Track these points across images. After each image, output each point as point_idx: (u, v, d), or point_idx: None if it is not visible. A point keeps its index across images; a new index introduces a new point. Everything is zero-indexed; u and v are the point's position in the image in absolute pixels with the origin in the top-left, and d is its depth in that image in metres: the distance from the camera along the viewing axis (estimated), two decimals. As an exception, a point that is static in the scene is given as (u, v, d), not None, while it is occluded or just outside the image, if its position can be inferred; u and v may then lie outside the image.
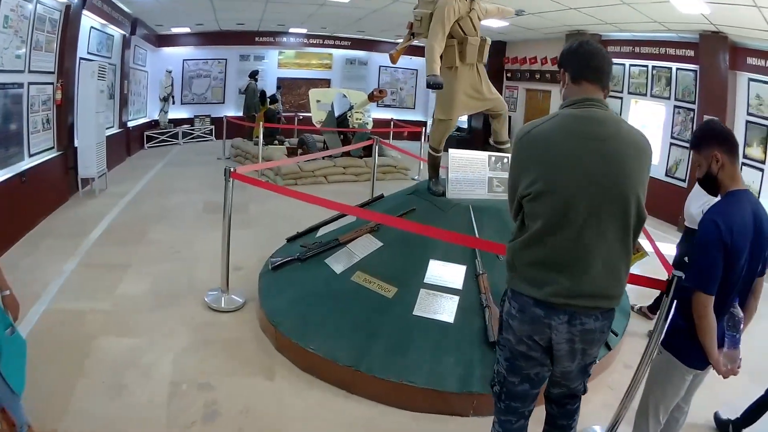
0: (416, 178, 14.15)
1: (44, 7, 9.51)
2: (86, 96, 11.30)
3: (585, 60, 2.93)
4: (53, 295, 6.56)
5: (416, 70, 24.86)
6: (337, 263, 6.07)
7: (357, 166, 13.79)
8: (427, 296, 5.30)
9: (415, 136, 18.34)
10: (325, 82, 23.73)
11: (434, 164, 6.79)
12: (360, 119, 14.85)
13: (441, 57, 5.93)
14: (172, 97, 20.78)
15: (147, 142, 19.41)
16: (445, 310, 5.18)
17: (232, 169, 6.29)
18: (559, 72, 3.16)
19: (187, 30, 20.57)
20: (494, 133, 6.95)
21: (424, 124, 22.66)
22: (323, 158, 13.55)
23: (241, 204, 10.41)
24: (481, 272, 5.38)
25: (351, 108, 14.87)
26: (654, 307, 6.93)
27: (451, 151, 6.40)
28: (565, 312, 2.75)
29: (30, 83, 9.30)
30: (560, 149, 2.73)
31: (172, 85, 20.59)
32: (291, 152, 14.95)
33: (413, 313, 5.18)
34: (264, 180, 12.15)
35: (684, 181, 12.85)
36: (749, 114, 11.30)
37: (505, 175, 5.57)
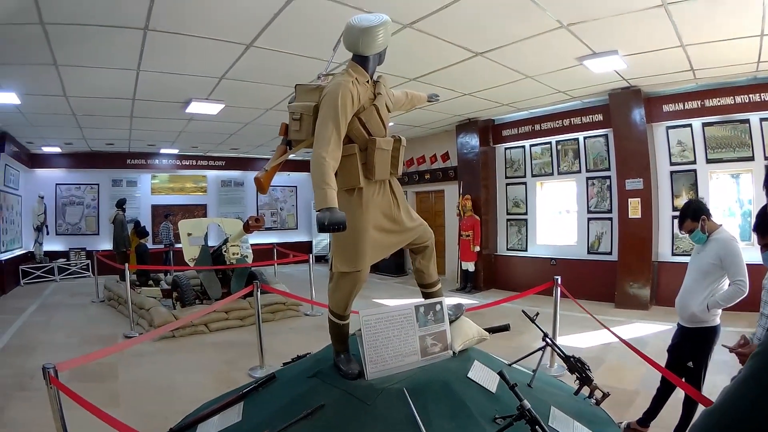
0: (309, 313, 12.57)
1: None
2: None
3: None
4: None
5: (295, 186, 24.06)
6: None
7: (241, 308, 11.71)
8: None
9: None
10: (201, 208, 22.51)
11: (340, 334, 4.65)
12: (237, 253, 12.98)
13: (335, 175, 3.87)
14: (46, 226, 19.04)
15: (23, 278, 17.68)
16: None
17: (50, 370, 4.08)
18: None
19: (58, 149, 19.12)
20: (418, 273, 4.96)
21: (310, 245, 21.78)
22: (202, 301, 12.04)
23: (107, 367, 8.17)
24: None
25: (226, 241, 13.03)
26: (647, 420, 5.62)
27: (362, 313, 4.31)
28: None
29: None
30: None
31: (45, 212, 18.90)
32: (166, 294, 13.08)
33: None
34: (138, 332, 10.56)
35: (610, 253, 12.43)
36: (672, 164, 11.40)
37: (441, 328, 4.38)
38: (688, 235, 5.43)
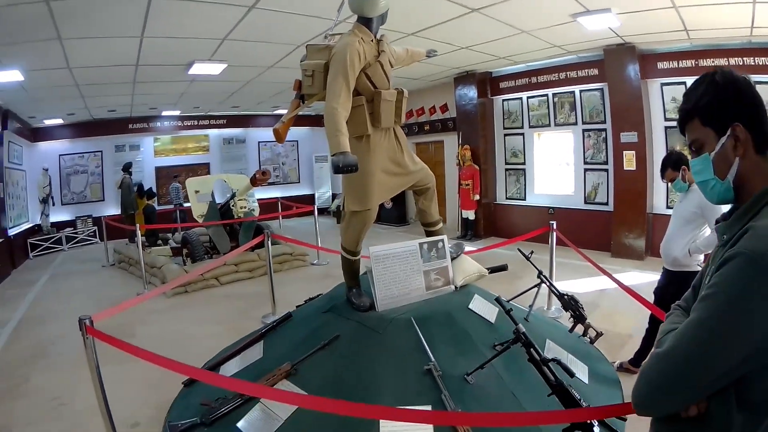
0: (315, 262, 12.88)
1: None
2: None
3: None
4: None
5: (296, 141, 24.07)
6: (254, 429, 4.18)
7: (250, 260, 12.11)
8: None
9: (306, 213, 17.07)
10: (204, 167, 22.53)
11: (352, 270, 5.14)
12: (244, 207, 13.24)
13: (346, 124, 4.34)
14: (51, 198, 19.01)
15: (32, 251, 17.71)
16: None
17: (86, 321, 4.23)
18: (712, 128, 1.94)
19: (60, 121, 19.13)
20: (421, 213, 5.50)
21: (313, 197, 21.99)
22: (211, 256, 12.28)
23: (125, 326, 8.45)
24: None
25: (233, 196, 13.31)
26: (638, 360, 5.77)
27: (372, 249, 4.76)
28: None
29: None
30: None
31: (50, 184, 18.89)
32: (175, 252, 13.31)
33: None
34: (149, 289, 10.72)
35: (606, 204, 12.59)
36: (667, 120, 11.38)
37: (443, 263, 4.70)
38: (669, 183, 5.69)
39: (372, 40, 4.60)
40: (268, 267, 8.64)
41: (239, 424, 4.16)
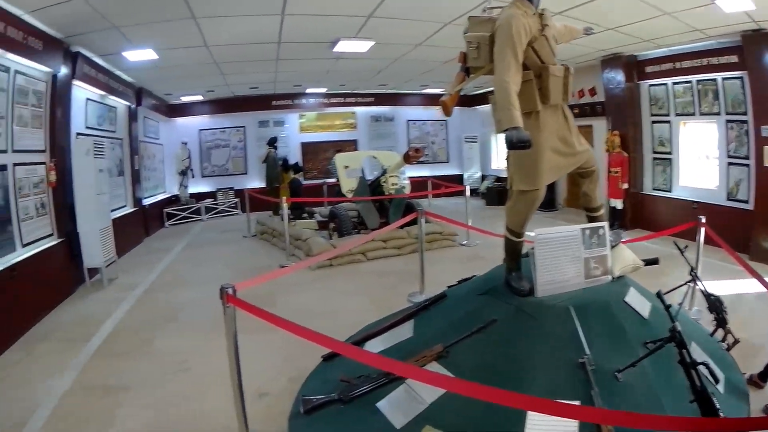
0: (465, 243, 12.59)
1: (25, 77, 8.58)
2: (83, 176, 10.05)
3: None
4: (40, 426, 5.14)
5: (445, 120, 23.56)
6: (395, 410, 4.11)
7: (399, 237, 11.94)
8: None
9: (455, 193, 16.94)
10: (351, 144, 22.45)
11: (515, 252, 4.96)
12: (395, 184, 13.22)
13: None
14: (191, 170, 19.91)
15: (167, 220, 18.53)
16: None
17: (229, 289, 4.12)
18: None
19: (199, 98, 19.86)
20: (585, 197, 5.27)
21: (461, 178, 21.73)
22: (359, 231, 12.34)
23: (266, 296, 8.44)
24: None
25: (384, 172, 13.25)
26: (766, 374, 5.29)
27: (537, 232, 4.56)
28: None
29: (15, 164, 8.30)
30: None
31: (189, 157, 19.77)
32: (322, 226, 13.58)
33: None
34: (295, 262, 10.86)
35: (746, 202, 11.65)
36: None
37: (603, 252, 4.54)
38: None
39: (534, 14, 4.45)
40: (420, 245, 8.49)
41: (379, 404, 4.14)
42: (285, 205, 11.97)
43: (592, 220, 5.17)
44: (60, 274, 9.45)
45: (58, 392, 5.80)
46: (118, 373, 6.31)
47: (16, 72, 8.25)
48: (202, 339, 7.11)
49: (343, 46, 12.00)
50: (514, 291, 4.70)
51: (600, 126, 15.93)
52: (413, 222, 8.77)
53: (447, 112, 4.87)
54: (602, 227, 4.73)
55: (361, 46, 12.07)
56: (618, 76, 14.50)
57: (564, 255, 4.55)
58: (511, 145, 3.86)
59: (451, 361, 4.25)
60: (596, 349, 3.93)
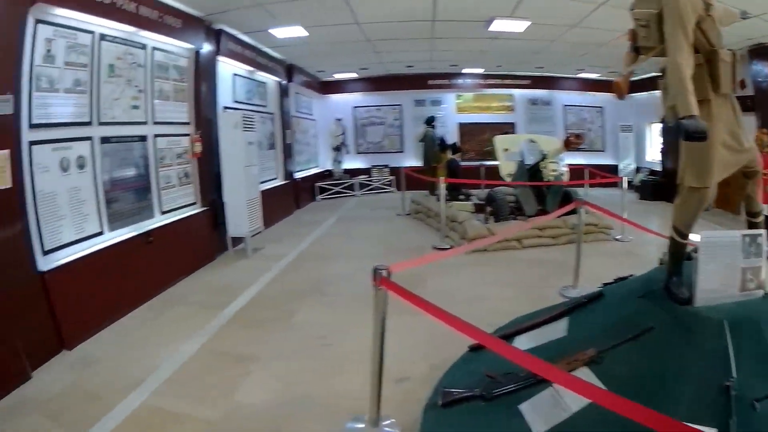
0: (619, 237, 11.80)
1: (165, 54, 8.81)
2: (230, 148, 10.23)
3: None
4: (157, 385, 5.19)
5: (602, 107, 22.50)
6: (537, 415, 3.76)
7: (555, 226, 11.26)
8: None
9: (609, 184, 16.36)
10: (509, 127, 21.06)
11: (678, 254, 4.43)
12: (555, 170, 12.68)
13: None
14: (345, 146, 20.14)
15: (319, 194, 18.75)
16: None
17: (383, 271, 3.89)
18: None
19: (353, 75, 19.94)
20: (748, 199, 4.60)
21: (615, 168, 20.82)
22: (515, 217, 11.81)
23: (415, 276, 7.58)
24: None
25: (544, 157, 12.50)
26: None
27: (703, 234, 4.00)
28: None
29: (156, 135, 8.54)
30: None
31: (343, 134, 20.00)
32: (478, 209, 12.98)
33: None
34: (449, 244, 10.86)
35: None
36: None
37: (758, 263, 3.97)
38: None
39: None
40: (578, 237, 8.01)
41: (521, 407, 3.86)
42: (443, 185, 11.58)
43: (752, 226, 4.62)
44: (201, 241, 9.68)
45: (183, 356, 5.83)
46: (251, 342, 6.25)
47: (154, 48, 8.47)
48: (345, 315, 6.99)
49: (499, 25, 11.68)
50: (673, 297, 4.22)
51: (748, 123, 14.52)
52: (568, 212, 8.34)
53: (620, 94, 4.51)
54: (760, 235, 4.21)
55: (517, 25, 11.73)
56: (766, 69, 13.38)
57: (724, 262, 3.98)
58: (688, 135, 3.47)
59: (602, 369, 3.90)
60: (742, 373, 3.44)
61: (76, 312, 6.25)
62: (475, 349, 4.96)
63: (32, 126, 6.00)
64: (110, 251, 7.06)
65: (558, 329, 4.81)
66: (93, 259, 6.71)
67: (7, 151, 5.42)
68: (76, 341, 6.16)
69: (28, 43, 5.89)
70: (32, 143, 5.99)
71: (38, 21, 6.05)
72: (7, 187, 5.42)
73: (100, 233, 7.20)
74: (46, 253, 6.15)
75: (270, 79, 14.69)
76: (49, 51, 6.25)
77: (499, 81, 21.53)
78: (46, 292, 5.88)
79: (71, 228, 6.62)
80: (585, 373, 3.83)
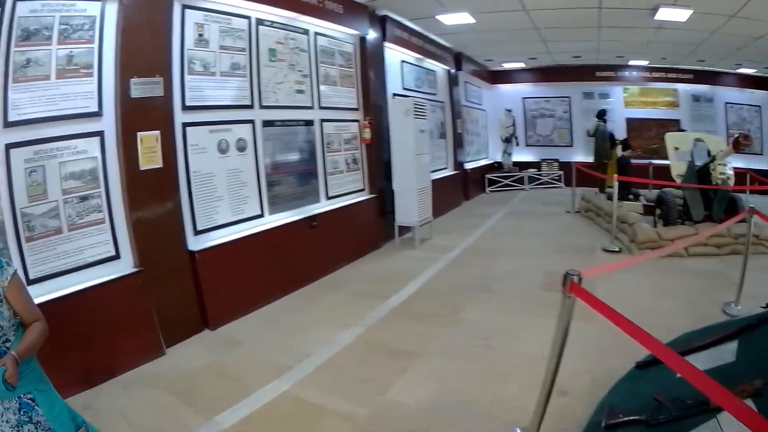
0: None
1: (328, 39, 8.33)
2: (401, 136, 9.52)
3: None
4: (304, 375, 4.68)
5: (759, 106, 19.69)
6: None
7: (719, 235, 9.65)
8: None
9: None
10: (673, 123, 19.13)
11: None
12: (723, 173, 10.52)
13: None
14: (515, 138, 18.86)
15: (488, 186, 17.73)
16: None
17: (573, 276, 3.20)
18: None
19: (521, 65, 18.80)
20: None
21: None
22: (683, 222, 10.33)
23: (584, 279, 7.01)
24: None
25: (713, 159, 10.56)
26: None
27: None
28: None
29: (323, 120, 8.06)
30: None
31: (513, 125, 18.69)
32: (646, 211, 11.63)
33: None
34: (618, 247, 9.53)
35: None
36: None
37: None
38: None
39: None
40: (746, 249, 6.67)
41: None
42: (615, 184, 10.28)
43: None
44: (367, 228, 9.09)
45: (336, 346, 5.26)
46: (411, 337, 5.53)
47: (317, 34, 8.03)
48: (510, 316, 6.01)
49: (664, 14, 10.47)
50: None
51: None
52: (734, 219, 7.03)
53: None
54: None
55: (681, 14, 10.48)
56: None
57: None
58: None
59: (765, 402, 2.96)
60: None
61: (224, 293, 5.96)
62: (641, 367, 4.07)
63: (186, 108, 5.74)
64: (269, 234, 6.71)
65: (726, 353, 3.86)
66: (249, 241, 6.40)
67: (157, 132, 5.19)
68: (220, 322, 5.88)
69: (176, 28, 5.65)
70: (186, 125, 5.70)
71: (185, 6, 5.79)
72: (158, 166, 5.20)
73: (260, 215, 6.89)
74: (198, 232, 5.93)
75: (439, 67, 13.70)
76: (201, 35, 5.97)
77: (662, 74, 19.44)
78: (195, 271, 5.66)
79: (228, 209, 6.37)
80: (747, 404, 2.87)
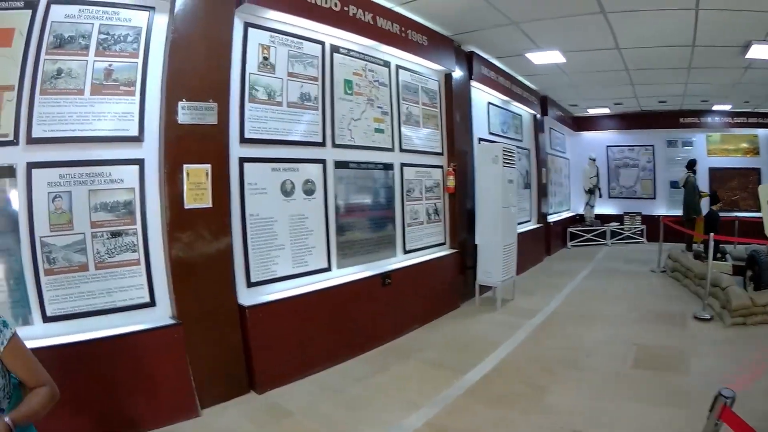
0: None
1: (411, 74, 7.52)
2: (488, 185, 8.56)
3: None
4: None
5: None
6: None
7: None
8: None
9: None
10: (754, 172, 17.60)
11: None
12: None
13: None
14: (598, 189, 17.58)
15: (570, 240, 16.47)
16: None
17: (728, 400, 2.55)
18: None
19: (605, 111, 17.72)
20: None
21: None
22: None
23: (674, 352, 6.15)
24: None
25: None
26: None
27: None
28: None
29: (403, 164, 7.21)
30: None
31: (597, 175, 17.50)
32: (735, 270, 10.20)
33: None
34: (709, 314, 7.98)
35: None
36: None
37: None
38: None
39: None
40: None
41: None
42: (711, 243, 8.74)
43: None
44: (445, 286, 8.07)
45: (401, 431, 4.30)
46: (489, 425, 4.46)
47: (398, 67, 7.26)
48: (602, 401, 4.85)
49: (755, 52, 9.38)
50: None
51: None
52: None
53: None
54: None
55: (772, 52, 9.46)
56: None
57: None
58: None
59: None
60: None
61: (277, 352, 5.20)
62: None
63: (244, 140, 5.01)
64: (336, 291, 5.88)
65: None
66: (313, 298, 5.61)
67: (208, 166, 4.47)
68: (268, 386, 5.09)
69: (236, 47, 4.97)
70: (243, 159, 4.96)
71: (248, 24, 5.13)
72: (207, 206, 4.51)
73: (326, 269, 6.11)
74: (252, 284, 5.24)
75: (525, 111, 12.82)
76: (266, 59, 5.27)
77: (743, 119, 17.90)
78: (244, 327, 4.96)
79: (290, 260, 5.63)
80: None
